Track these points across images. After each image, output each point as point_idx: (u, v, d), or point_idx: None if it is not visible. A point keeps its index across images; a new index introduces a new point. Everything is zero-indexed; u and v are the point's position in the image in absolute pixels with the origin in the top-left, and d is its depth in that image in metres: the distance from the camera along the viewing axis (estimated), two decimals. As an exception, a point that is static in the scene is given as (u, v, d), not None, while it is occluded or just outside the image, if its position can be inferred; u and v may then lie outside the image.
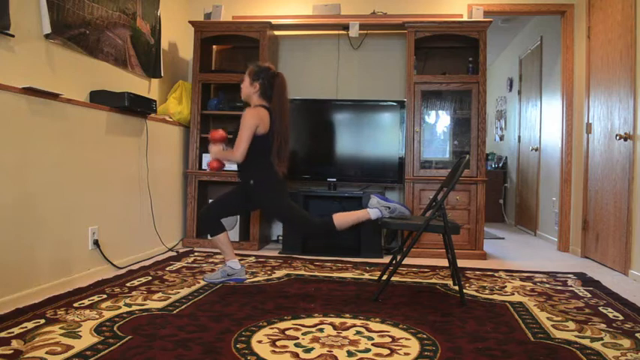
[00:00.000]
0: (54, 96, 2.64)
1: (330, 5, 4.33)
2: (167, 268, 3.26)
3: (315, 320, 2.24)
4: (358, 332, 2.09)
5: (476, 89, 4.03)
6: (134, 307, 2.36)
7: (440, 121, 4.42)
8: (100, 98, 3.10)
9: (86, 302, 2.42)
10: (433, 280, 3.12)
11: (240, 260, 3.07)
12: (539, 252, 4.44)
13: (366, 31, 4.44)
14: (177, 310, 2.35)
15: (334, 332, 2.08)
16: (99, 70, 3.19)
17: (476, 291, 2.86)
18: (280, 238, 4.41)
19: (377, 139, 4.25)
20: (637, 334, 2.11)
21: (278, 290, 2.78)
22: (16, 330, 1.99)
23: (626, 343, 2.01)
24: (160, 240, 3.80)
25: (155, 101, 3.55)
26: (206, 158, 4.22)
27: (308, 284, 2.94)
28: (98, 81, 3.17)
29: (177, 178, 4.21)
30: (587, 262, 3.90)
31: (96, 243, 3.03)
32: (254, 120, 2.72)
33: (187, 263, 3.46)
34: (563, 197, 4.48)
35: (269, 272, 3.25)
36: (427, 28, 4.08)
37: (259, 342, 1.95)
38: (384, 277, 2.92)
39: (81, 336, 1.96)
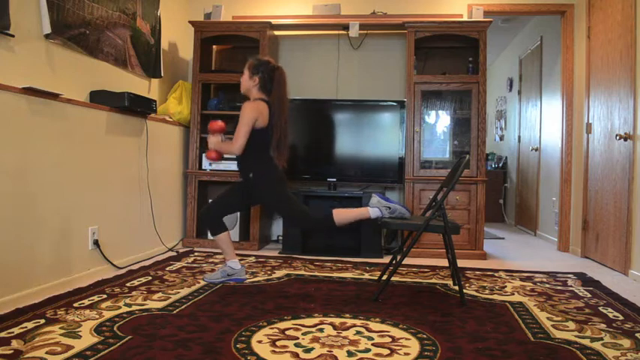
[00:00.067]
0: (54, 96, 2.64)
1: (330, 5, 4.33)
2: (167, 268, 3.26)
3: (315, 320, 2.24)
4: (358, 332, 2.09)
5: (476, 89, 4.03)
6: (134, 307, 2.36)
7: (440, 121, 4.42)
8: (100, 98, 3.10)
9: (86, 302, 2.42)
10: (433, 280, 3.12)
11: (240, 260, 3.07)
12: (539, 252, 4.44)
13: (366, 31, 4.44)
14: (177, 310, 2.35)
15: (334, 332, 2.08)
16: (99, 70, 3.19)
17: (476, 291, 2.86)
18: (280, 238, 4.41)
19: (377, 139, 4.25)
20: (637, 334, 2.11)
21: (278, 290, 2.78)
22: (16, 330, 1.99)
23: (626, 343, 2.01)
24: (160, 240, 3.80)
25: (155, 101, 3.55)
26: (206, 158, 4.22)
27: (308, 284, 2.94)
28: (98, 81, 3.17)
29: (177, 178, 4.21)
30: (587, 262, 3.90)
31: (96, 243, 3.03)
32: (253, 113, 2.72)
33: (187, 263, 3.46)
34: (563, 197, 4.48)
35: (269, 272, 3.25)
36: (427, 28, 4.08)
37: (259, 342, 1.95)
38: (384, 277, 2.92)
39: (81, 336, 1.96)
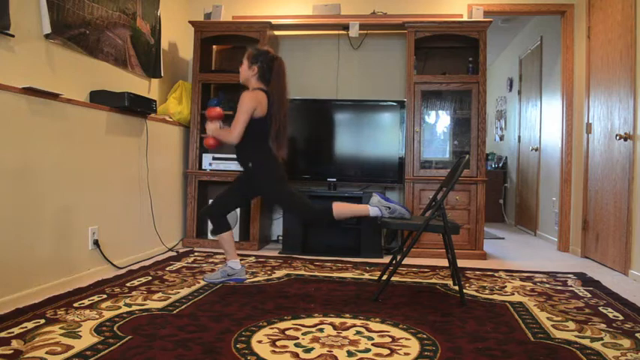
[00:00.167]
0: (54, 96, 2.64)
1: (330, 5, 4.33)
2: (167, 268, 3.26)
3: (315, 320, 2.24)
4: (358, 332, 2.09)
5: (476, 89, 4.03)
6: (134, 307, 2.36)
7: (440, 121, 4.42)
8: (100, 98, 3.10)
9: (86, 302, 2.42)
10: (433, 280, 3.12)
11: (240, 260, 3.07)
12: (539, 252, 4.44)
13: (366, 31, 4.44)
14: (177, 310, 2.35)
15: (334, 332, 2.08)
16: (99, 70, 3.19)
17: (476, 291, 2.86)
18: (280, 238, 4.41)
19: (377, 139, 4.25)
20: (637, 334, 2.11)
21: (278, 290, 2.78)
22: (16, 330, 1.99)
23: (626, 343, 2.01)
24: (160, 240, 3.80)
25: (155, 101, 3.55)
26: (206, 159, 4.23)
27: (308, 284, 2.94)
28: (98, 81, 3.17)
29: (177, 178, 4.21)
30: (587, 262, 3.90)
31: (96, 243, 3.03)
32: (251, 103, 2.72)
33: (187, 263, 3.46)
34: (563, 197, 4.48)
35: (269, 272, 3.25)
36: (427, 28, 4.08)
37: (259, 342, 1.95)
38: (384, 277, 2.92)
39: (81, 336, 1.96)
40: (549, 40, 5.17)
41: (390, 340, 2.01)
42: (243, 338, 1.98)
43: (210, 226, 4.16)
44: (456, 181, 2.70)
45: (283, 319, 2.25)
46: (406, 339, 2.02)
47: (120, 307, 2.35)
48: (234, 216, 4.11)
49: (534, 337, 2.06)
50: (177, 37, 4.48)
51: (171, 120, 4.04)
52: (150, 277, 2.98)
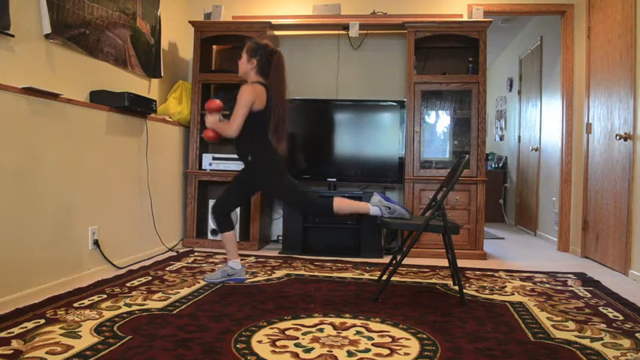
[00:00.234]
0: (54, 96, 2.64)
1: (330, 5, 4.33)
2: (167, 268, 3.26)
3: (315, 320, 2.24)
4: (358, 332, 2.09)
5: (476, 89, 4.03)
6: (134, 307, 2.36)
7: (440, 121, 4.42)
8: (100, 98, 3.10)
9: (86, 302, 2.42)
10: (433, 280, 3.12)
11: (240, 260, 3.07)
12: (539, 252, 4.44)
13: (366, 31, 4.44)
14: (177, 310, 2.35)
15: (334, 332, 2.08)
16: (99, 70, 3.19)
17: (476, 291, 2.86)
18: (280, 238, 4.41)
19: (377, 139, 4.25)
20: (637, 334, 2.11)
21: (278, 290, 2.78)
22: (16, 330, 1.99)
23: (626, 343, 2.01)
24: (160, 240, 3.80)
25: (155, 101, 3.55)
26: (206, 159, 4.23)
27: (308, 284, 2.94)
28: (98, 81, 3.17)
29: (177, 178, 4.21)
30: (587, 262, 3.90)
31: (96, 243, 3.03)
32: (250, 96, 2.73)
33: (187, 263, 3.46)
34: (563, 197, 4.48)
35: (269, 272, 3.25)
36: (427, 28, 4.08)
37: (259, 342, 1.95)
38: (384, 277, 2.91)
39: (81, 336, 1.96)
40: (549, 40, 5.17)
41: (390, 340, 2.01)
42: (243, 338, 1.98)
43: (210, 226, 4.17)
44: (456, 181, 2.70)
45: (283, 319, 2.25)
46: (406, 339, 2.02)
47: (120, 307, 2.35)
48: (234, 216, 4.11)
49: (534, 337, 2.06)
50: (177, 37, 4.48)
51: (171, 120, 4.04)
52: (150, 277, 2.98)
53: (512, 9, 4.42)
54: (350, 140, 4.31)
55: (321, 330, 2.11)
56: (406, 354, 1.86)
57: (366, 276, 3.21)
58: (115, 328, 2.05)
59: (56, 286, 2.65)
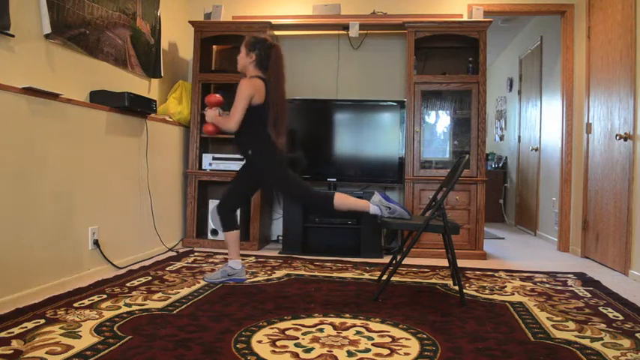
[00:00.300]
0: (54, 96, 2.64)
1: (330, 5, 4.33)
2: (167, 268, 3.26)
3: (315, 320, 2.24)
4: (358, 332, 2.09)
5: (476, 89, 4.03)
6: (134, 307, 2.36)
7: (440, 121, 4.42)
8: (100, 98, 3.10)
9: (86, 302, 2.42)
10: (433, 280, 3.12)
11: (241, 260, 3.07)
12: (539, 252, 4.44)
13: (366, 31, 4.44)
14: (177, 310, 2.35)
15: (334, 332, 2.08)
16: (99, 70, 3.19)
17: (476, 291, 2.86)
18: (280, 238, 4.41)
19: (377, 139, 4.25)
20: (637, 334, 2.11)
21: (278, 290, 2.78)
22: (16, 330, 1.99)
23: (626, 343, 2.01)
24: (160, 240, 3.80)
25: (155, 101, 3.55)
26: (206, 159, 4.23)
27: (308, 284, 2.94)
28: (98, 81, 3.17)
29: (177, 178, 4.21)
30: (587, 262, 3.90)
31: (96, 243, 3.03)
32: (249, 90, 2.73)
33: (187, 263, 3.46)
34: (563, 197, 4.48)
35: (269, 272, 3.25)
36: (427, 28, 4.08)
37: (259, 342, 1.95)
38: (384, 277, 2.91)
39: (81, 336, 1.96)
40: (549, 40, 5.17)
41: (390, 340, 2.01)
42: (243, 338, 1.98)
43: (210, 226, 4.17)
44: (456, 181, 2.70)
45: (283, 319, 2.25)
46: (406, 339, 2.02)
47: (120, 307, 2.35)
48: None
49: (534, 337, 2.06)
50: (177, 37, 4.48)
51: (171, 120, 4.04)
52: (150, 277, 2.98)
53: (512, 9, 4.42)
54: (350, 140, 4.31)
55: (321, 330, 2.11)
56: (406, 354, 1.86)
57: (366, 276, 3.21)
58: (115, 328, 2.05)
59: (56, 286, 2.65)
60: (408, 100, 4.08)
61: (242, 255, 3.75)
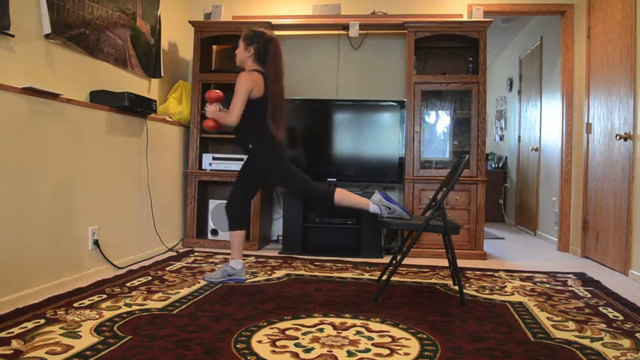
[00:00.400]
0: (54, 96, 2.64)
1: (330, 5, 4.33)
2: (167, 268, 3.26)
3: (315, 320, 2.24)
4: (358, 332, 2.09)
5: (476, 89, 4.03)
6: (134, 307, 2.36)
7: (440, 121, 4.42)
8: (100, 98, 3.10)
9: (86, 302, 2.42)
10: (433, 280, 3.12)
11: (242, 261, 3.07)
12: (539, 252, 4.44)
13: (366, 31, 4.44)
14: (177, 310, 2.35)
15: (334, 332, 2.08)
16: (99, 70, 3.19)
17: (476, 291, 2.86)
18: (280, 238, 4.41)
19: (377, 139, 4.25)
20: (637, 334, 2.11)
21: (278, 290, 2.78)
22: (16, 330, 1.99)
23: (626, 343, 2.01)
24: (160, 240, 3.80)
25: (155, 101, 3.55)
26: (206, 159, 4.23)
27: (308, 284, 2.94)
28: (98, 81, 3.17)
29: (177, 178, 4.21)
30: (587, 262, 3.90)
31: (96, 243, 3.03)
32: (248, 84, 2.74)
33: (187, 263, 3.46)
34: (563, 197, 4.48)
35: (269, 272, 3.25)
36: (427, 28, 4.08)
37: (259, 342, 1.95)
38: (384, 277, 2.91)
39: (81, 336, 1.96)
40: (549, 40, 5.17)
41: (390, 340, 2.01)
42: (243, 338, 1.98)
43: (210, 226, 4.18)
44: (456, 181, 2.70)
45: (283, 319, 2.25)
46: (406, 339, 2.02)
47: (120, 307, 2.35)
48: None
49: (534, 337, 2.06)
50: (177, 37, 4.48)
51: (171, 120, 4.04)
52: (150, 277, 2.98)
53: (512, 9, 4.42)
54: (350, 140, 4.31)
55: (321, 330, 2.11)
56: (406, 354, 1.86)
57: (366, 276, 3.21)
58: (115, 328, 2.05)
59: (56, 286, 2.65)
60: (408, 100, 4.08)
61: (242, 255, 3.75)
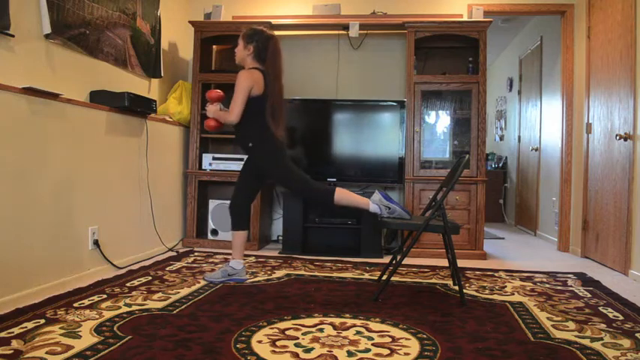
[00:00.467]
0: (54, 96, 2.64)
1: (330, 5, 4.33)
2: (167, 268, 3.26)
3: (315, 320, 2.24)
4: (358, 332, 2.09)
5: (476, 89, 4.03)
6: (134, 307, 2.36)
7: (440, 121, 4.42)
8: (100, 98, 3.10)
9: (86, 302, 2.42)
10: (433, 280, 3.12)
11: (243, 261, 3.07)
12: (539, 252, 4.44)
13: (366, 31, 4.44)
14: (177, 310, 2.35)
15: (334, 332, 2.08)
16: (99, 70, 3.19)
17: (476, 291, 2.86)
18: (280, 238, 4.41)
19: (377, 139, 4.25)
20: (637, 334, 2.11)
21: (278, 290, 2.78)
22: (16, 330, 1.99)
23: (626, 343, 2.01)
24: (160, 240, 3.80)
25: (155, 101, 3.55)
26: (206, 159, 4.23)
27: (308, 284, 2.94)
28: (98, 81, 3.17)
29: (177, 178, 4.21)
30: (587, 262, 3.90)
31: (96, 243, 3.03)
32: (248, 82, 2.75)
33: (187, 263, 3.46)
34: (563, 197, 4.48)
35: (269, 272, 3.25)
36: (427, 28, 4.08)
37: (259, 342, 1.95)
38: (384, 277, 2.91)
39: (81, 336, 1.96)
40: (549, 40, 5.17)
41: (390, 340, 2.01)
42: (243, 338, 1.98)
43: (210, 226, 4.18)
44: (456, 181, 2.70)
45: (283, 319, 2.25)
46: (406, 339, 2.02)
47: (120, 307, 2.35)
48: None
49: (534, 337, 2.06)
50: (177, 37, 4.48)
51: (171, 120, 4.04)
52: (150, 277, 2.98)
53: (512, 9, 4.42)
54: (350, 140, 4.31)
55: (321, 330, 2.11)
56: (406, 354, 1.86)
57: (366, 276, 3.21)
58: (115, 328, 2.05)
59: (56, 286, 2.65)
60: (408, 100, 4.08)
61: (243, 255, 3.75)
